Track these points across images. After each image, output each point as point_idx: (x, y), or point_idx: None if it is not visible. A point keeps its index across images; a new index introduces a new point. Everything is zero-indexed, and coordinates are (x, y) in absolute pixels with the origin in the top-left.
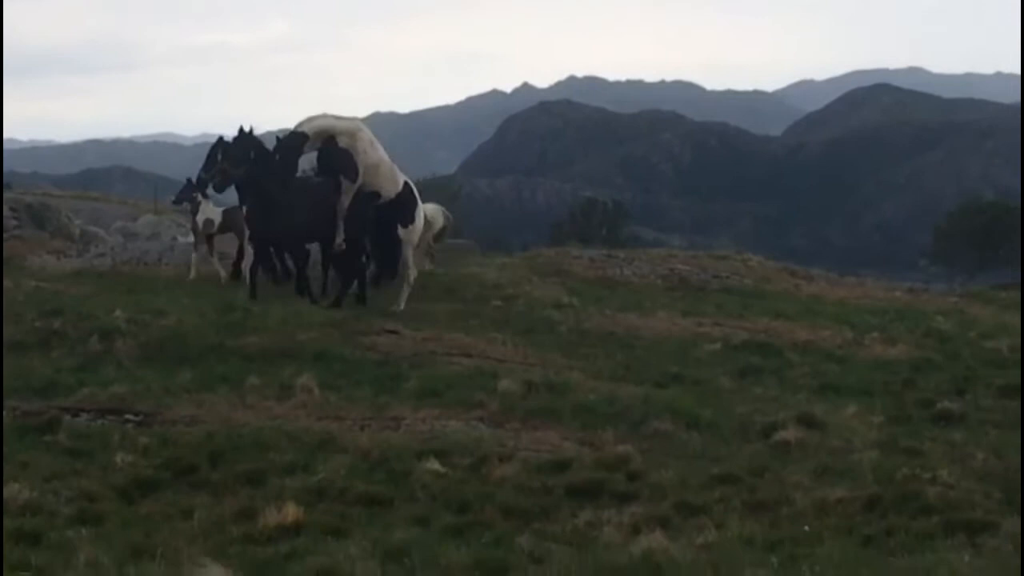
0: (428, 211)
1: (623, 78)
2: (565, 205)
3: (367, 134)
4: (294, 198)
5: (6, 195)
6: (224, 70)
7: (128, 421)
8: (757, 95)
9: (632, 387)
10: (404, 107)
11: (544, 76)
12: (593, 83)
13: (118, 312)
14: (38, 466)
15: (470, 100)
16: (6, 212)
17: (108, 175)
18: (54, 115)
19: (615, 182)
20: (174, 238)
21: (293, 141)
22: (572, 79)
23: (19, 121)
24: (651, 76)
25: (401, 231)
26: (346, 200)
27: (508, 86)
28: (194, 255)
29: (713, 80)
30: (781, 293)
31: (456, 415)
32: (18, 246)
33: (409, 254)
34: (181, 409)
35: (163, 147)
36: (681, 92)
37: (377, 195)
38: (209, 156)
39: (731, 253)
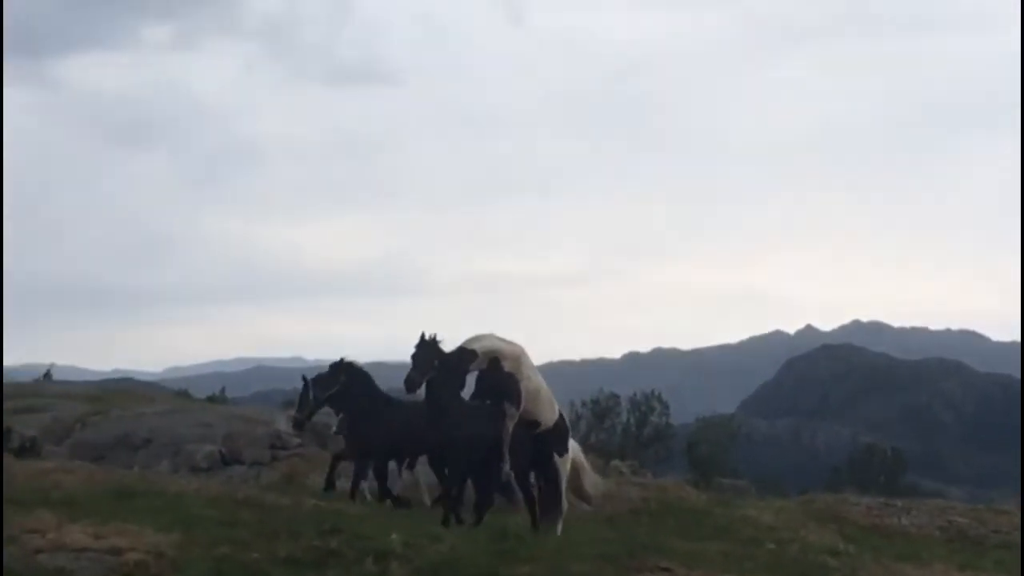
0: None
1: (907, 324)
2: (844, 450)
3: (529, 360)
4: (466, 413)
5: (295, 414)
6: (508, 298)
7: None
8: None
9: None
10: (686, 344)
11: (828, 319)
12: (877, 328)
13: (394, 535)
14: None
15: (752, 340)
16: (292, 430)
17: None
18: (342, 336)
19: (895, 429)
20: None
21: (464, 357)
22: (856, 323)
23: (307, 340)
24: (936, 324)
25: (557, 460)
26: (510, 424)
27: (791, 327)
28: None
29: (999, 331)
30: None
31: None
32: (300, 464)
33: (563, 484)
34: None
35: None
36: (966, 341)
37: (536, 423)
38: (302, 396)
39: (1012, 508)
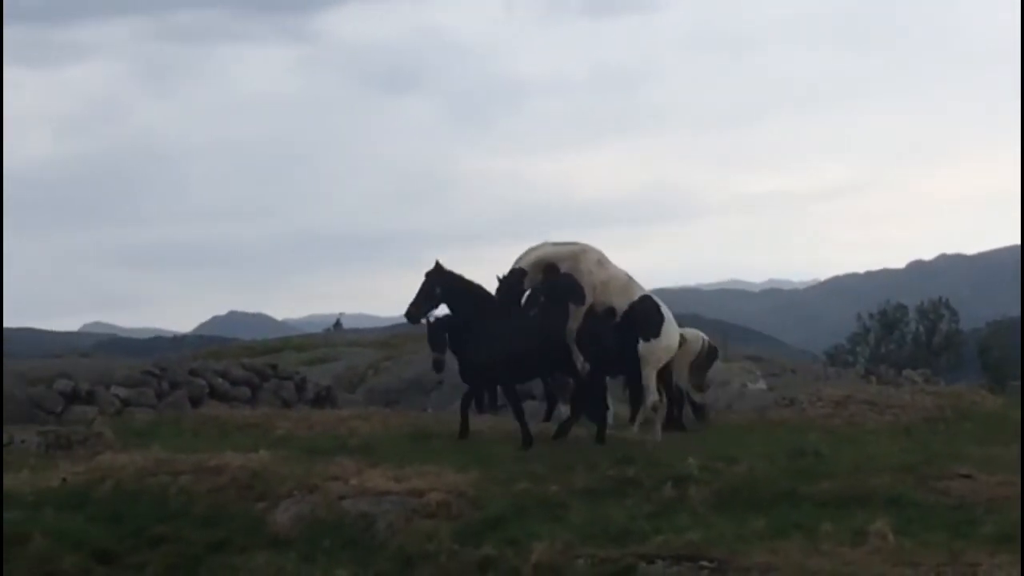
0: (688, 335)
1: None
2: None
3: (593, 255)
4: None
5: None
6: (782, 216)
7: (703, 568)
8: None
9: None
10: (971, 248)
11: None
12: None
13: (690, 459)
14: None
15: None
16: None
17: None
18: (623, 266)
19: None
20: (744, 385)
21: (512, 279)
22: None
23: None
24: None
25: (642, 345)
26: (575, 323)
27: None
28: None
29: None
30: None
31: None
32: None
33: (651, 375)
34: (755, 556)
35: (730, 294)
36: None
37: (612, 310)
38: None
39: None
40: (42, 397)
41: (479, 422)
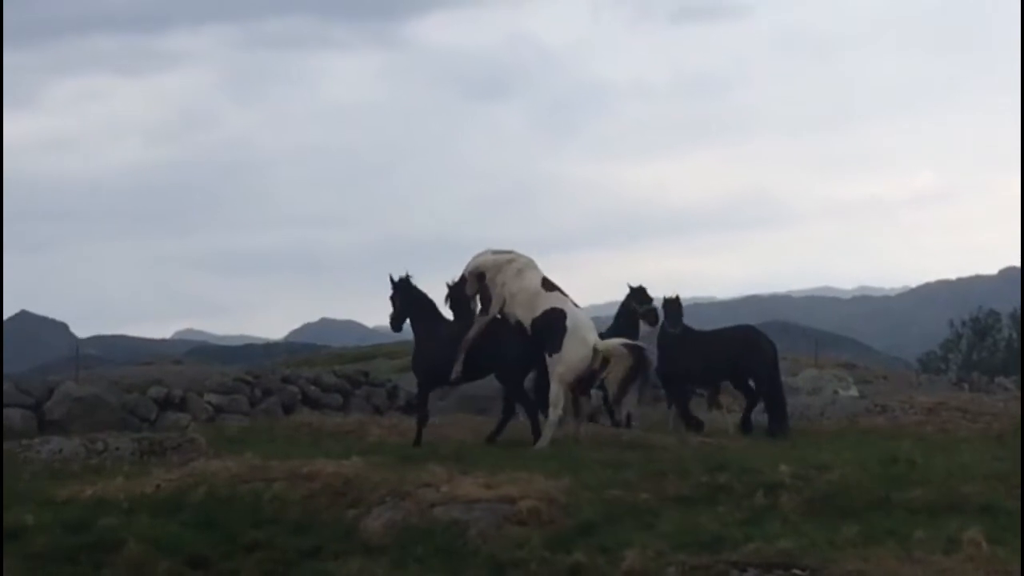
0: (609, 346)
1: None
2: None
3: (516, 265)
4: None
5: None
6: (874, 223)
7: (795, 575)
8: None
9: None
10: None
11: None
12: None
13: (782, 467)
14: None
15: None
16: None
17: (765, 330)
18: (714, 273)
19: None
20: (836, 392)
21: (457, 285)
22: None
23: (673, 278)
24: None
25: (548, 359)
26: (471, 332)
27: None
28: None
29: None
30: None
31: None
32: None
33: (557, 387)
34: (847, 563)
35: (821, 301)
36: None
37: (522, 324)
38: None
39: None
40: (136, 404)
41: (570, 430)
